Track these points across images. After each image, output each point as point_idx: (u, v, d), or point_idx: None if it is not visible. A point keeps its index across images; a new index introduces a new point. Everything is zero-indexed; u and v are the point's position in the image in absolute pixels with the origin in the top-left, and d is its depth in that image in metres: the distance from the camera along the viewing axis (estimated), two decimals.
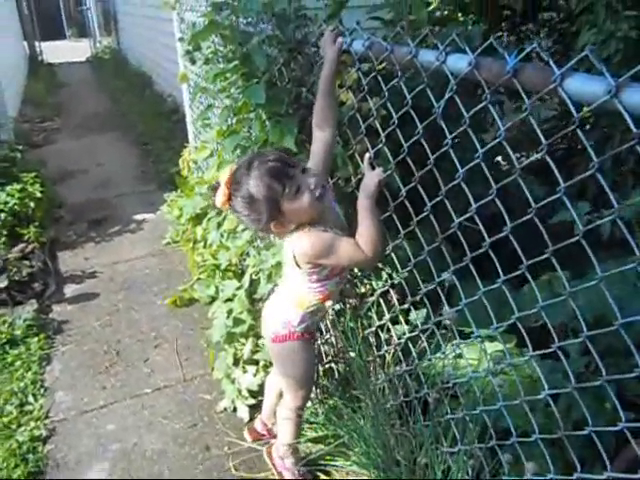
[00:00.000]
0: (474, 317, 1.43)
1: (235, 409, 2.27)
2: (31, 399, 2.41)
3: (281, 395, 1.90)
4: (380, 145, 1.49)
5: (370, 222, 1.41)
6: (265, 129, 1.85)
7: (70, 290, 3.29)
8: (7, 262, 3.32)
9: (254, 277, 2.60)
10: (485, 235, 1.23)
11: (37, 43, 13.56)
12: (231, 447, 2.12)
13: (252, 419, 2.20)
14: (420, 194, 1.42)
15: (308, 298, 1.60)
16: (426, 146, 1.30)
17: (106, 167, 5.36)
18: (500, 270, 1.22)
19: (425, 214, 1.37)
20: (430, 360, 1.54)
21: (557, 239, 1.07)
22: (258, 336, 2.34)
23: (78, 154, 5.78)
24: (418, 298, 1.55)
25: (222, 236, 2.79)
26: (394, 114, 1.41)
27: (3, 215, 3.64)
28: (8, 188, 3.80)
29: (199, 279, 3.04)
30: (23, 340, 2.76)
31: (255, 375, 2.22)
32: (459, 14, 2.38)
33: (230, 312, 2.42)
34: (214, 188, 1.56)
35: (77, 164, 5.40)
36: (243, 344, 2.36)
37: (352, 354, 1.94)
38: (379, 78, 1.46)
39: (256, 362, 2.28)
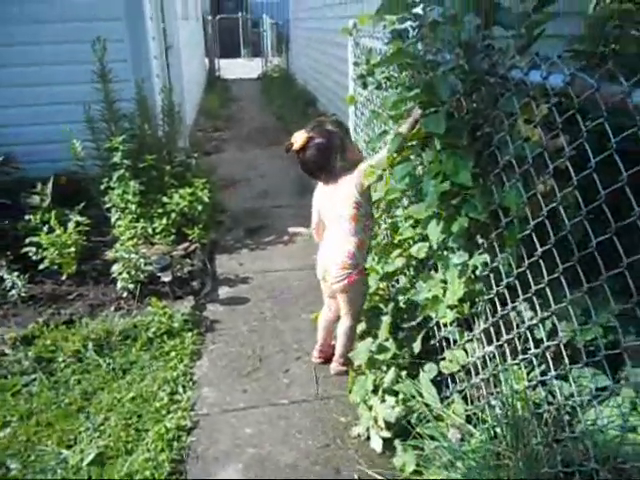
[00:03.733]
0: None
1: (369, 437, 2.23)
2: (181, 389, 2.57)
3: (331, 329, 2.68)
4: (570, 189, 1.38)
5: None
6: (438, 159, 1.81)
7: (223, 292, 3.50)
8: (173, 258, 3.62)
9: (402, 306, 2.56)
10: None
11: (216, 60, 14.89)
12: (361, 477, 2.09)
13: (385, 452, 2.15)
14: (608, 247, 1.29)
15: None
16: (631, 196, 1.17)
17: (267, 179, 5.68)
18: None
19: (620, 270, 1.23)
20: (602, 431, 1.37)
21: None
22: (401, 366, 2.29)
23: (243, 164, 6.20)
24: (594, 359, 1.40)
25: (373, 260, 2.78)
26: (592, 157, 1.29)
27: (174, 215, 3.99)
28: (181, 191, 4.14)
29: None
30: (179, 333, 2.97)
31: (394, 407, 2.16)
32: None
33: (375, 337, 2.39)
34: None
35: (241, 174, 5.79)
36: (384, 372, 2.32)
37: (498, 409, 1.82)
38: (577, 117, 1.35)
39: (396, 393, 2.22)
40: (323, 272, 2.50)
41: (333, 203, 2.40)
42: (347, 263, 2.36)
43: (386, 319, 2.51)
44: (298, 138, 2.36)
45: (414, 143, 2.13)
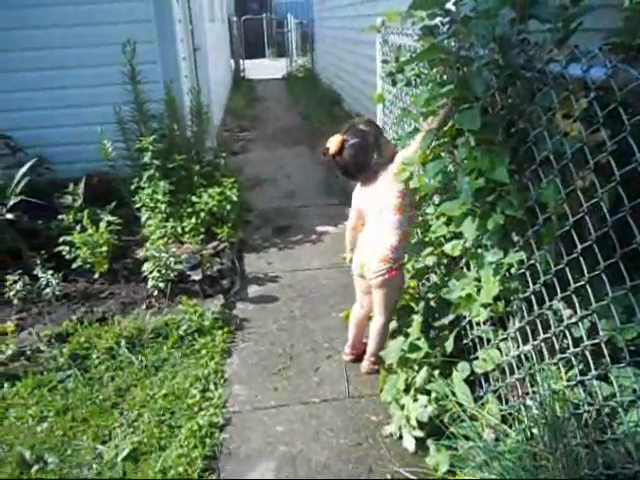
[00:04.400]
0: None
1: (401, 437, 2.22)
2: (212, 387, 2.60)
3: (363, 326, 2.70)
4: (613, 184, 1.34)
5: None
6: (473, 156, 1.78)
7: (252, 290, 3.51)
8: (202, 257, 3.65)
9: (433, 304, 2.54)
10: None
11: (241, 61, 14.99)
12: (394, 477, 2.07)
13: (417, 452, 2.13)
14: None
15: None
16: None
17: (293, 178, 5.70)
18: None
19: None
20: None
21: None
22: (433, 365, 2.26)
23: (269, 164, 6.23)
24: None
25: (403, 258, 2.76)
26: (637, 152, 1.26)
27: (203, 214, 4.02)
28: (210, 190, 4.18)
29: None
30: (210, 331, 3.00)
31: (426, 407, 2.14)
32: None
33: (407, 336, 2.37)
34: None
35: (268, 173, 5.82)
36: (416, 371, 2.30)
37: (535, 409, 1.78)
38: (620, 110, 1.32)
39: (428, 392, 2.20)
40: (361, 267, 2.49)
41: (375, 198, 2.40)
42: (389, 257, 2.36)
43: (417, 318, 2.49)
44: (333, 142, 2.38)
45: (445, 140, 2.11)
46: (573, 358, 1.65)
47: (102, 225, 3.61)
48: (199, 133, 4.73)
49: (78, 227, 3.55)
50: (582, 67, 1.42)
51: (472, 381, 2.20)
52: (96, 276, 3.54)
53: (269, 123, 8.63)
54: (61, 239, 3.49)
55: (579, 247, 1.51)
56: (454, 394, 2.12)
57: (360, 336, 2.74)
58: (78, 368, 2.71)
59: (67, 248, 3.47)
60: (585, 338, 1.59)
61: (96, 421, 2.38)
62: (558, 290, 1.66)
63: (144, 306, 3.25)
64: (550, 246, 1.63)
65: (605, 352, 1.51)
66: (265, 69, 16.47)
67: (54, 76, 4.57)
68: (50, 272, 3.29)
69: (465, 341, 2.28)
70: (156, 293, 3.33)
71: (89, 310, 3.20)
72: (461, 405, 2.06)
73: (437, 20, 2.06)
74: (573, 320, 1.61)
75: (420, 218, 2.71)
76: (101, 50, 4.46)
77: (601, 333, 1.52)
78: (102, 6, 4.45)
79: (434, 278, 2.63)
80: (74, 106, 4.64)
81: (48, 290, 3.25)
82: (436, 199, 2.55)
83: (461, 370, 2.18)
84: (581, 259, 1.52)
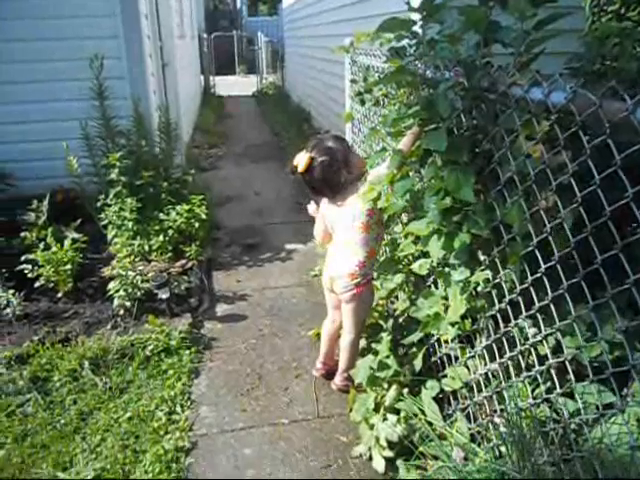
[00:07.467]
0: None
1: (371, 457, 2.20)
2: (178, 409, 2.53)
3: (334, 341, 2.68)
4: (575, 205, 1.37)
5: None
6: (439, 176, 1.80)
7: (221, 309, 3.47)
8: (170, 276, 3.59)
9: (402, 322, 2.55)
10: None
11: (211, 77, 14.97)
12: None
13: (387, 473, 2.12)
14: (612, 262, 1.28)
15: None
16: (636, 211, 1.17)
17: (263, 195, 5.69)
18: None
19: (626, 287, 1.22)
20: (610, 450, 1.36)
21: None
22: (403, 384, 2.26)
23: (239, 181, 6.20)
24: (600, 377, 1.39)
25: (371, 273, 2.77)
26: (596, 175, 1.29)
27: (171, 232, 3.97)
28: (178, 208, 4.12)
29: None
30: (177, 351, 2.94)
31: (396, 426, 2.13)
32: None
33: (376, 354, 2.37)
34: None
35: (237, 190, 5.78)
36: (385, 390, 2.29)
37: (502, 427, 1.79)
38: (580, 133, 1.35)
39: (398, 411, 2.19)
40: (330, 282, 2.48)
41: (343, 215, 2.39)
42: (357, 273, 2.36)
43: (386, 336, 2.49)
44: (301, 160, 2.34)
45: (413, 160, 2.13)
46: (539, 376, 1.67)
47: (67, 243, 3.53)
48: (167, 150, 4.68)
49: (41, 245, 3.46)
50: (543, 91, 1.45)
51: (441, 399, 2.21)
52: (60, 295, 3.45)
53: (239, 139, 8.61)
54: (23, 257, 3.39)
55: (543, 267, 1.53)
56: (423, 413, 2.12)
57: (331, 351, 2.72)
58: (38, 391, 2.61)
59: (29, 267, 3.37)
60: (550, 356, 1.61)
61: (57, 447, 2.30)
62: (523, 308, 1.68)
63: (109, 326, 3.17)
64: (515, 265, 1.66)
65: (569, 369, 1.53)
66: (235, 86, 16.49)
67: (16, 91, 4.47)
68: (11, 291, 3.20)
69: (434, 359, 2.30)
70: (122, 312, 3.26)
71: (51, 330, 3.11)
72: (430, 424, 2.06)
73: (404, 42, 2.09)
74: (538, 338, 1.63)
75: (389, 236, 2.73)
76: (68, 65, 4.39)
77: (565, 351, 1.55)
78: (69, 21, 4.39)
79: (402, 296, 2.64)
80: (39, 121, 4.55)
81: (8, 310, 3.16)
82: (404, 218, 2.57)
83: (430, 388, 2.19)
84: (545, 278, 1.54)
